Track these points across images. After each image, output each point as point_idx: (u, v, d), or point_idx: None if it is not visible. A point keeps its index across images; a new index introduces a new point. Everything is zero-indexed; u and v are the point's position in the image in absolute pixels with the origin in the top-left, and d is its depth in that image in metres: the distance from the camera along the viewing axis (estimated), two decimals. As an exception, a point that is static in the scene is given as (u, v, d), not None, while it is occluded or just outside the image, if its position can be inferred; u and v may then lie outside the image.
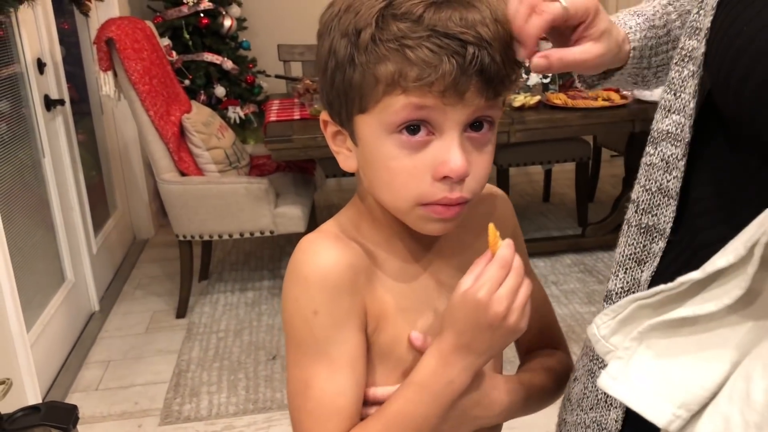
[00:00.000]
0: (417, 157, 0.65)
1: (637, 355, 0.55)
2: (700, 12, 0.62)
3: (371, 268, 0.73)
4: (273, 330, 2.84)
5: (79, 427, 1.70)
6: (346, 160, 0.73)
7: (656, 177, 0.64)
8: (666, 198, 0.63)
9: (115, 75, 2.70)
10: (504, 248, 0.67)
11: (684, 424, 0.51)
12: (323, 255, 0.70)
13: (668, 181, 0.63)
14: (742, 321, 0.50)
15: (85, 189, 3.01)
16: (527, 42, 0.64)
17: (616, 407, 0.69)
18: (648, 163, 0.64)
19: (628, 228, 0.68)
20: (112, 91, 2.70)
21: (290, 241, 2.93)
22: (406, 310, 0.74)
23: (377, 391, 0.73)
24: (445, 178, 0.65)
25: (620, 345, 0.57)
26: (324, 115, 0.73)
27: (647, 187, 0.65)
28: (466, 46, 0.61)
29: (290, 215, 2.82)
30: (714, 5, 0.58)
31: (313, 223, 3.19)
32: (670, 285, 0.52)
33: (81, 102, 3.30)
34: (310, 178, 3.19)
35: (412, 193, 0.67)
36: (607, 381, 0.56)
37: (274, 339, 2.78)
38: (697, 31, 0.60)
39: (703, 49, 0.57)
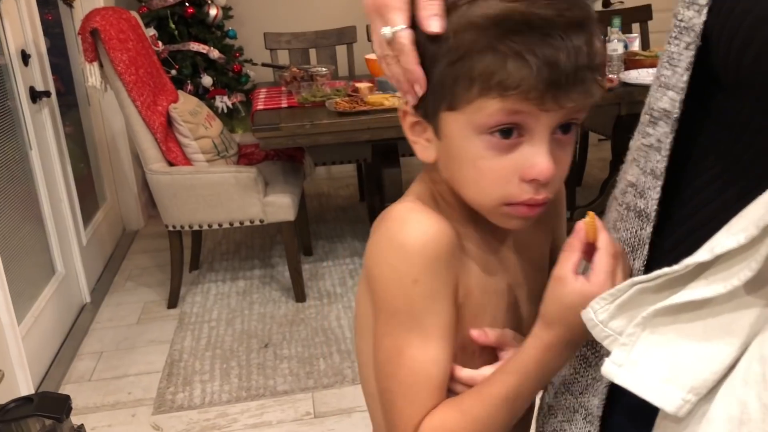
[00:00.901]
0: (505, 159, 0.65)
1: (642, 341, 0.53)
2: None
3: (460, 244, 0.72)
4: (265, 318, 2.86)
5: (72, 417, 1.71)
6: (424, 150, 0.72)
7: (651, 157, 0.62)
8: (654, 179, 0.62)
9: (101, 66, 2.69)
10: (605, 235, 0.65)
11: (692, 408, 0.50)
12: (424, 224, 0.69)
13: (657, 161, 0.61)
14: (751, 302, 0.49)
15: (74, 181, 3.01)
16: (420, 78, 0.66)
17: (599, 393, 0.68)
18: (648, 144, 0.63)
19: (627, 212, 0.66)
20: (98, 82, 2.69)
21: (280, 229, 2.94)
22: (483, 293, 0.74)
23: (461, 372, 0.73)
24: (532, 180, 0.65)
25: (622, 330, 0.55)
26: (404, 105, 0.72)
27: (646, 169, 0.63)
28: (566, 55, 0.60)
29: (279, 204, 2.83)
30: None
31: (303, 212, 3.20)
32: (674, 267, 0.51)
33: (67, 94, 3.28)
34: (299, 167, 3.19)
35: (498, 192, 0.67)
36: (612, 368, 0.55)
37: (266, 327, 2.79)
38: (693, 2, 0.58)
39: (703, 18, 0.55)
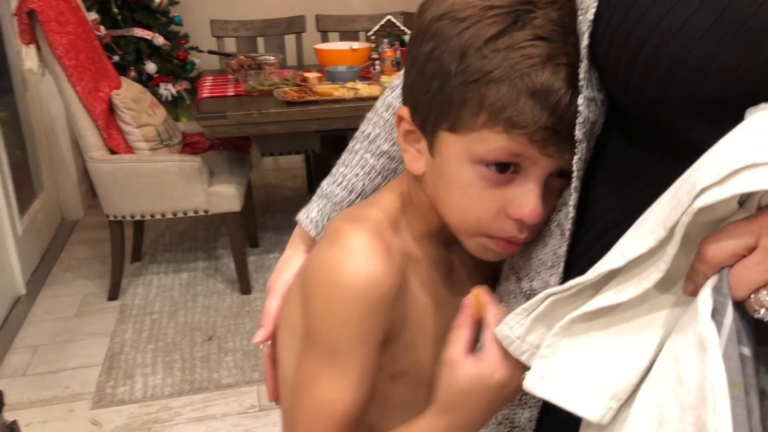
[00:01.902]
0: (496, 192, 0.63)
1: (560, 351, 0.53)
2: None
3: (406, 275, 0.69)
4: (209, 311, 2.80)
5: (5, 413, 1.64)
6: (414, 161, 0.69)
7: (572, 177, 0.62)
8: (568, 195, 0.62)
9: (39, 49, 2.59)
10: (493, 310, 0.63)
11: (614, 414, 0.51)
12: (371, 263, 0.64)
13: (574, 178, 0.61)
14: (661, 303, 0.50)
15: (9, 168, 2.89)
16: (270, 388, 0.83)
17: (531, 406, 0.68)
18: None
19: (557, 229, 0.65)
20: (36, 65, 2.59)
21: (225, 220, 2.89)
22: (424, 321, 0.72)
23: None
24: (518, 219, 0.63)
25: (539, 343, 0.55)
26: (403, 112, 0.69)
27: (570, 186, 0.64)
28: (573, 108, 0.59)
29: (225, 194, 2.78)
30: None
31: (249, 202, 3.15)
32: (587, 277, 0.51)
33: (2, 77, 3.15)
34: (246, 157, 3.14)
35: (482, 224, 0.65)
36: (534, 382, 0.55)
37: (210, 320, 2.74)
38: (581, 34, 0.59)
39: (586, 42, 0.56)
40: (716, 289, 0.45)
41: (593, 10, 0.56)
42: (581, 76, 0.57)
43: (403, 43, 3.05)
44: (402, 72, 0.80)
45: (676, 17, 0.48)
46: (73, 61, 2.63)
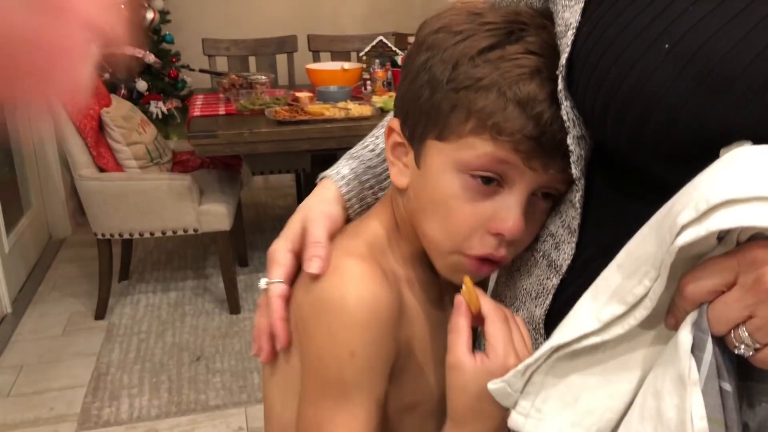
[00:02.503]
0: (478, 205, 0.63)
1: (545, 389, 0.53)
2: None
3: (402, 297, 0.68)
4: (197, 330, 2.78)
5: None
6: (399, 175, 0.70)
7: (569, 213, 0.63)
8: (569, 234, 0.62)
9: (29, 66, 2.58)
10: (488, 301, 0.62)
11: None
12: (371, 287, 0.63)
13: (572, 218, 0.62)
14: (645, 338, 0.49)
15: (-4, 185, 2.87)
16: (281, 334, 0.68)
17: None
18: (569, 198, 0.64)
19: (542, 260, 0.65)
20: (26, 82, 2.57)
21: (215, 239, 2.87)
22: (426, 345, 0.70)
23: None
24: (498, 234, 0.62)
25: (522, 385, 0.55)
26: (394, 123, 0.69)
27: (565, 222, 0.64)
28: (559, 125, 0.59)
29: (215, 213, 2.76)
30: (569, 43, 0.58)
31: (239, 221, 3.14)
32: (595, 327, 0.49)
33: (-9, 94, 3.13)
34: (236, 175, 3.13)
35: (460, 238, 0.64)
36: (518, 420, 0.54)
37: (198, 340, 2.71)
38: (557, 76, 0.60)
39: (561, 85, 0.58)
40: (696, 325, 0.44)
41: (566, 55, 0.57)
42: (565, 117, 0.58)
43: (394, 64, 3.06)
44: None
45: (644, 66, 0.49)
46: (63, 78, 2.61)
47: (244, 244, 3.35)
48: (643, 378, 0.49)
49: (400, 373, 0.67)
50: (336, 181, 0.76)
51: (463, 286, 0.63)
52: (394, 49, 3.18)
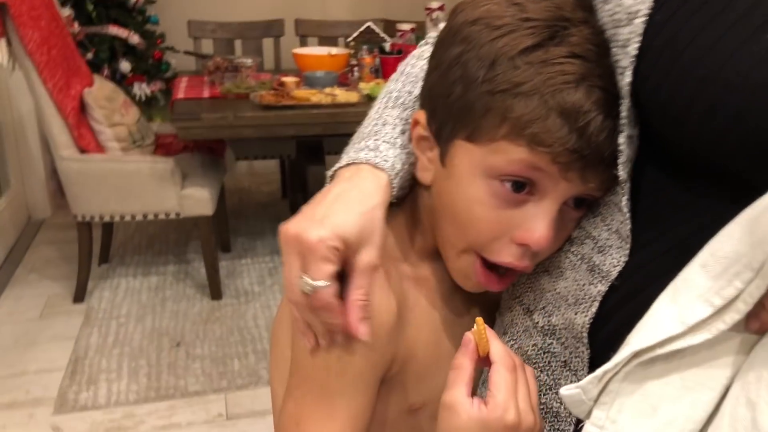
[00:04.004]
0: (505, 213, 0.59)
1: (620, 397, 0.49)
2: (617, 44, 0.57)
3: (409, 302, 0.65)
4: (177, 316, 2.75)
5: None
6: (423, 170, 0.65)
7: (615, 216, 0.59)
8: (620, 240, 0.58)
9: (9, 43, 2.53)
10: (498, 345, 0.57)
11: None
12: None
13: (621, 223, 0.58)
14: (729, 346, 0.46)
15: (-26, 164, 2.82)
16: (354, 329, 0.57)
17: None
18: (614, 202, 0.59)
19: (580, 263, 0.61)
20: (5, 59, 2.52)
21: (197, 224, 2.84)
22: (430, 352, 0.67)
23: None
24: (523, 244, 0.59)
25: (597, 394, 0.51)
26: (419, 116, 0.65)
27: (611, 227, 0.59)
28: (606, 134, 0.56)
29: (197, 197, 2.73)
30: (640, 31, 0.53)
31: (222, 207, 3.11)
32: (679, 331, 0.46)
33: (-29, 71, 3.07)
34: (220, 160, 3.09)
35: (480, 242, 0.60)
36: (593, 431, 0.50)
37: (179, 325, 2.68)
38: (617, 65, 0.56)
39: (629, 79, 0.54)
40: None
41: (636, 45, 0.52)
42: (624, 113, 0.54)
43: (382, 51, 3.03)
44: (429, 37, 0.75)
45: (742, 59, 0.45)
46: (44, 57, 2.57)
47: (227, 229, 3.32)
48: (726, 386, 0.46)
49: (401, 376, 0.65)
50: (392, 177, 0.64)
51: (474, 326, 0.58)
52: (382, 35, 3.15)
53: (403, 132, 0.68)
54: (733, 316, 0.44)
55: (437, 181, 0.64)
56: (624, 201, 0.57)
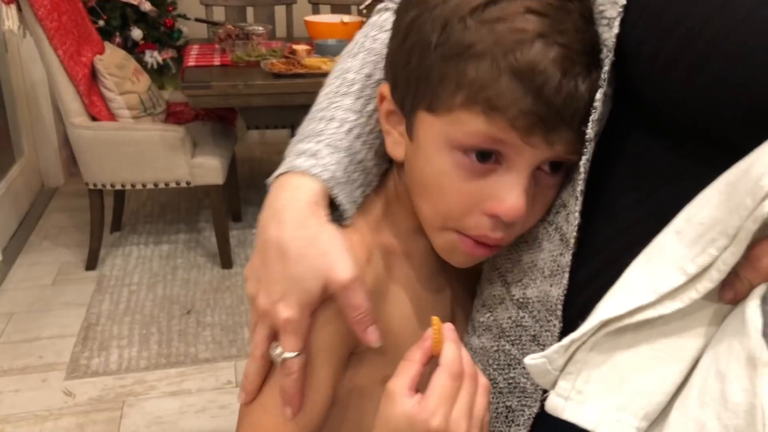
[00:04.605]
0: (473, 184, 0.56)
1: (587, 368, 0.48)
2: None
3: (389, 273, 0.64)
4: (188, 284, 2.76)
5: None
6: (395, 145, 0.63)
7: (577, 178, 0.56)
8: (575, 202, 0.55)
9: (19, 9, 2.52)
10: (449, 349, 0.55)
11: None
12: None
13: (577, 182, 0.55)
14: (700, 316, 0.45)
15: (-13, 131, 2.82)
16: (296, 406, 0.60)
17: (518, 425, 0.61)
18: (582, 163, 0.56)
19: (555, 233, 0.58)
20: (16, 26, 2.51)
21: (208, 193, 2.84)
22: (412, 315, 0.66)
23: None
24: (494, 215, 0.56)
25: (572, 363, 0.49)
26: (384, 89, 0.62)
27: (575, 191, 0.57)
28: (565, 95, 0.52)
29: (208, 166, 2.72)
30: None
31: (233, 176, 3.10)
32: (651, 300, 0.44)
33: (-18, 38, 3.07)
34: (231, 129, 3.08)
35: (453, 216, 0.58)
36: (558, 403, 0.48)
37: (189, 293, 2.70)
38: (602, 16, 0.53)
39: (615, 31, 0.50)
40: (766, 300, 0.40)
41: None
42: (605, 69, 0.51)
43: (394, 19, 3.00)
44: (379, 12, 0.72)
45: (736, 6, 0.42)
46: (54, 23, 2.55)
47: (238, 199, 3.32)
48: (696, 357, 0.45)
49: (375, 350, 0.63)
50: (332, 188, 0.62)
51: (433, 324, 0.56)
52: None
53: (350, 130, 0.65)
54: (707, 284, 0.42)
55: (408, 155, 0.62)
56: (583, 160, 0.54)
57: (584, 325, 0.47)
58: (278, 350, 0.59)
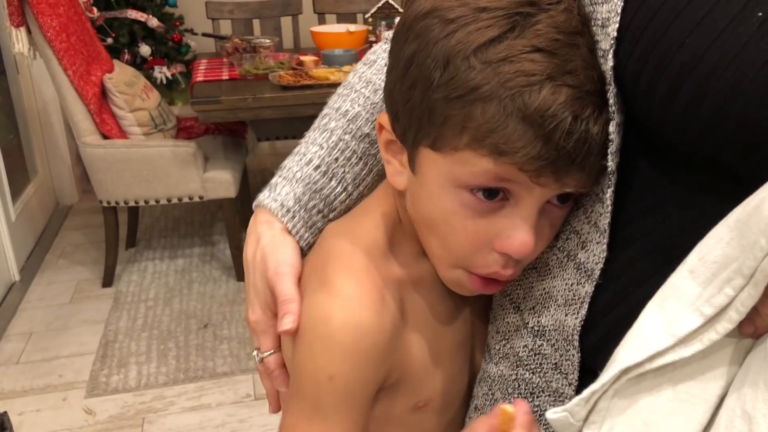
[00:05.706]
0: (481, 222, 0.55)
1: (611, 416, 0.47)
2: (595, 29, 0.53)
3: (404, 306, 0.63)
4: (204, 298, 2.77)
5: (-3, 403, 1.62)
6: (396, 174, 0.61)
7: (595, 208, 0.55)
8: (598, 234, 0.54)
9: (29, 31, 2.54)
10: None
11: None
12: (359, 313, 0.58)
13: (600, 215, 0.54)
14: (720, 355, 0.44)
15: (1, 153, 2.85)
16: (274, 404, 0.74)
17: None
18: (594, 192, 0.56)
19: (567, 261, 0.57)
20: (26, 48, 2.54)
21: (221, 206, 2.85)
22: (426, 359, 0.66)
23: None
24: (504, 253, 0.56)
25: (587, 413, 0.49)
26: (383, 119, 0.61)
27: (591, 219, 0.56)
28: (577, 139, 0.50)
29: (220, 180, 2.74)
30: (619, 9, 0.48)
31: (245, 188, 3.11)
32: (669, 344, 0.44)
33: (-7, 60, 3.10)
34: (242, 141, 3.10)
35: (463, 255, 0.58)
36: None
37: (206, 307, 2.71)
38: (597, 47, 0.52)
39: (610, 64, 0.49)
40: None
41: (615, 25, 0.48)
42: (611, 101, 0.50)
43: (400, 26, 3.00)
44: (376, 47, 0.74)
45: (730, 40, 0.41)
46: (64, 44, 2.58)
47: (251, 210, 3.32)
48: (721, 396, 0.44)
49: (402, 381, 0.64)
50: (281, 216, 0.69)
51: (509, 407, 0.53)
52: (400, 10, 3.11)
53: (309, 161, 0.71)
54: (726, 325, 0.41)
55: (411, 187, 0.60)
56: (609, 193, 0.53)
57: (604, 375, 0.47)
58: (255, 352, 0.70)
